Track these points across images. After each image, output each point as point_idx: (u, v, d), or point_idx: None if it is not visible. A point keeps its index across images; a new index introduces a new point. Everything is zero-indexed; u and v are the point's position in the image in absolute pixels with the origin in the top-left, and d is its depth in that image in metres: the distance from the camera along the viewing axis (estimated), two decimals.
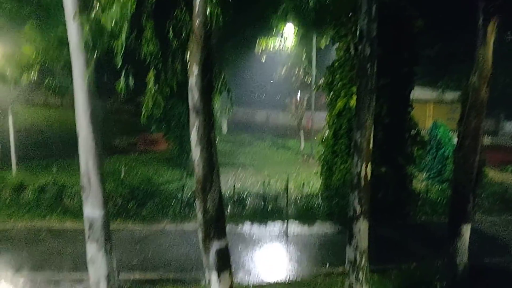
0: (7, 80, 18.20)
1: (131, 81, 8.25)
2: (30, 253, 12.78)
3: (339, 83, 16.80)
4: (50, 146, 22.99)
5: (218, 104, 11.48)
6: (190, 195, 16.98)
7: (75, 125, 9.29)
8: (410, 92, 16.63)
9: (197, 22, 7.55)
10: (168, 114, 22.45)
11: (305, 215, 16.62)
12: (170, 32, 8.38)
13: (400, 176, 16.10)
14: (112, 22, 7.71)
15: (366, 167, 9.23)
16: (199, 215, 8.18)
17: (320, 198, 17.58)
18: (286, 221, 15.90)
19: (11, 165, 20.00)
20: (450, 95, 34.45)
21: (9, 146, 20.03)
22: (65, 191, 16.96)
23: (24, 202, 16.79)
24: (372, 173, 9.40)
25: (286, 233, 15.25)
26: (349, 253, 9.58)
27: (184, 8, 8.28)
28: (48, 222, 15.61)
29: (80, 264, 10.59)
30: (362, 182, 9.24)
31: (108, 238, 9.73)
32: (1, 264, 11.86)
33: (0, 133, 21.32)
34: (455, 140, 15.05)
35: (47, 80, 18.75)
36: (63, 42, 15.42)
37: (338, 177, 16.32)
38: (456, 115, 12.01)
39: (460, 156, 10.75)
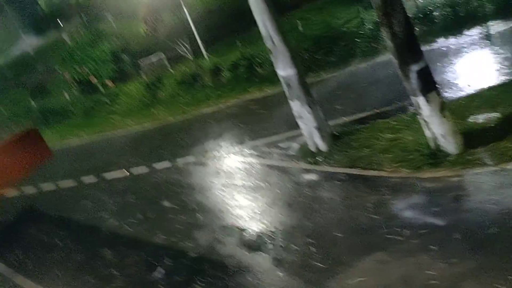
0: None
1: None
2: (248, 124, 13.99)
3: None
4: (227, 25, 23.81)
5: None
6: (372, 29, 16.25)
7: None
8: None
9: None
10: None
11: (508, 8, 14.55)
12: None
13: None
14: None
15: None
16: (389, 42, 7.82)
17: None
18: (484, 22, 14.23)
19: (201, 52, 21.47)
20: None
21: (194, 35, 21.35)
22: (255, 61, 17.77)
23: (225, 81, 18.20)
24: None
25: (487, 36, 13.74)
26: None
27: None
28: (251, 93, 16.76)
29: (290, 122, 11.20)
30: None
31: (308, 92, 10.06)
32: (227, 139, 13.36)
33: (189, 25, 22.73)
34: None
35: None
36: None
37: None
38: None
39: None
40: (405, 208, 7.30)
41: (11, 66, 33.88)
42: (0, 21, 37.81)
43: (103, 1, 27.84)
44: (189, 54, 21.90)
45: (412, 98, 8.11)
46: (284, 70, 9.81)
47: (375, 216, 7.37)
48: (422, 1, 16.83)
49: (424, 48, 8.43)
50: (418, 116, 8.33)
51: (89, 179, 14.11)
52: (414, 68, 7.74)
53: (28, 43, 35.86)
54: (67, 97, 24.55)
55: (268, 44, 9.69)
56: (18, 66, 33.07)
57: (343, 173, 9.13)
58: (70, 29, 33.14)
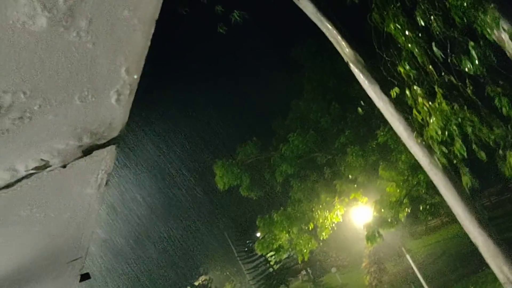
0: (388, 223, 19.42)
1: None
2: None
3: None
4: (454, 267, 22.45)
5: None
6: None
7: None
8: None
9: None
10: None
11: None
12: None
13: None
14: (439, 132, 7.68)
15: None
16: None
17: None
18: None
19: None
20: None
21: (419, 281, 20.34)
22: None
23: None
24: None
25: None
26: None
27: None
28: None
29: None
30: None
31: None
32: None
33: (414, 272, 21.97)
34: None
35: (422, 206, 19.21)
36: (415, 166, 15.87)
37: None
38: None
39: None
40: None
41: None
42: None
43: (327, 256, 29.28)
44: None
45: None
46: None
47: None
48: None
49: None
50: None
51: None
52: None
53: None
54: None
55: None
56: None
57: None
58: (297, 283, 34.83)
